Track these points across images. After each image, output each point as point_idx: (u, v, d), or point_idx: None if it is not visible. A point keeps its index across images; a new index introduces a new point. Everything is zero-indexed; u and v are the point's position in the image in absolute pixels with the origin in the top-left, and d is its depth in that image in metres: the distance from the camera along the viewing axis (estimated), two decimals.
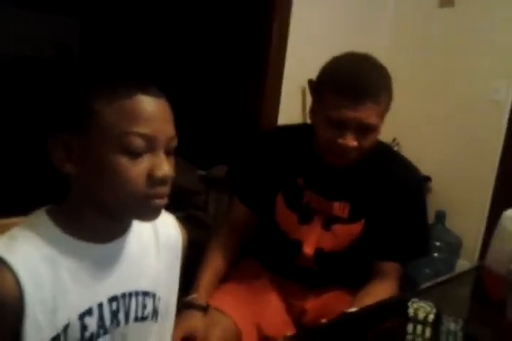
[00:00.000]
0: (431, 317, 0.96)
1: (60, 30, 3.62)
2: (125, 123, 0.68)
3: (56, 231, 0.71)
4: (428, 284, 1.28)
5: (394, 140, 2.48)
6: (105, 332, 0.75)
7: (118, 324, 0.76)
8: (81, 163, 0.70)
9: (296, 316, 1.34)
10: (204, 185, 2.33)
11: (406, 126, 2.37)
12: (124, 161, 0.68)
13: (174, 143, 0.73)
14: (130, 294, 0.78)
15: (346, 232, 1.25)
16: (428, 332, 0.92)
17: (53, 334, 0.69)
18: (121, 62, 3.27)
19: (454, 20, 2.46)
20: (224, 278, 1.30)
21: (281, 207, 1.29)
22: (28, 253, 0.68)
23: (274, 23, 2.06)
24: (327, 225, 1.26)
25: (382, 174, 1.25)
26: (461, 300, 1.21)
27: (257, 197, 1.32)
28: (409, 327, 0.93)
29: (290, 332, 1.26)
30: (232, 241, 1.34)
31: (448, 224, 2.38)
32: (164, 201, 0.72)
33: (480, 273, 1.27)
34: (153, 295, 0.81)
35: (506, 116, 2.35)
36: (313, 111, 1.21)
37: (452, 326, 0.94)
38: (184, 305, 1.14)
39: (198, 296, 1.18)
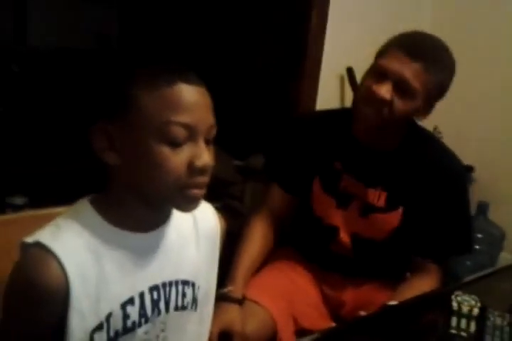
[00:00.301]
0: (476, 311, 0.93)
1: (98, 21, 3.66)
2: (166, 112, 0.68)
3: (99, 220, 0.72)
4: (471, 277, 1.25)
5: (435, 128, 2.41)
6: (146, 321, 0.75)
7: (159, 313, 0.77)
8: (122, 152, 0.70)
9: (334, 308, 1.33)
10: (240, 175, 2.33)
11: (447, 113, 2.30)
12: (164, 150, 0.68)
13: (214, 132, 0.73)
14: (170, 283, 0.78)
15: (383, 221, 1.23)
16: (473, 327, 0.90)
17: (96, 323, 0.70)
18: (160, 52, 3.30)
19: None
20: (260, 267, 1.29)
21: (318, 191, 1.28)
22: (73, 242, 0.69)
23: (312, 10, 2.02)
24: (364, 212, 1.24)
25: (423, 161, 1.22)
26: (505, 295, 1.17)
27: (295, 182, 1.31)
28: (453, 321, 0.91)
29: (327, 324, 1.26)
30: (270, 229, 1.32)
31: (491, 215, 2.31)
32: (203, 191, 0.72)
33: None
34: (193, 285, 0.82)
35: None
36: (367, 71, 1.19)
37: (499, 320, 0.91)
38: (220, 297, 1.13)
39: (235, 288, 1.17)
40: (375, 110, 1.12)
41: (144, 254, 0.75)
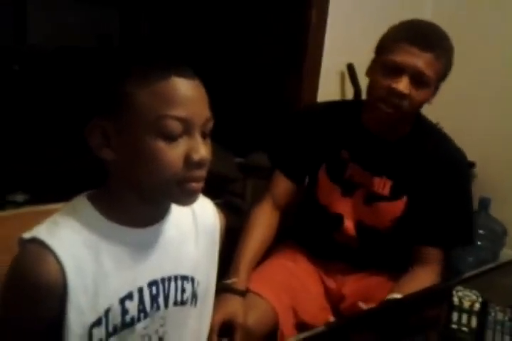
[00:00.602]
0: (477, 306, 0.93)
1: (99, 20, 3.66)
2: (160, 106, 0.67)
3: (97, 216, 0.72)
4: (472, 273, 1.24)
5: (437, 124, 2.40)
6: (145, 316, 0.75)
7: (158, 308, 0.77)
8: (118, 147, 0.70)
9: (335, 302, 1.33)
10: (241, 172, 2.33)
11: (449, 109, 2.29)
12: (160, 145, 0.68)
13: (210, 125, 0.72)
14: (169, 278, 0.78)
15: (388, 209, 1.25)
16: (474, 322, 0.89)
17: (95, 318, 0.70)
18: (160, 49, 3.30)
19: None
20: (262, 260, 1.30)
21: (324, 179, 1.29)
22: (70, 238, 0.69)
23: (312, 6, 2.02)
24: (368, 200, 1.26)
25: (428, 152, 1.24)
26: (506, 290, 1.17)
27: (301, 169, 1.33)
28: (454, 316, 0.90)
29: (328, 318, 1.26)
30: (273, 217, 1.33)
31: (492, 211, 2.30)
32: (201, 185, 0.72)
33: None
34: (192, 280, 0.81)
35: None
36: (372, 64, 1.22)
37: (500, 315, 0.90)
38: (223, 288, 1.14)
39: (238, 280, 1.18)
40: (397, 106, 1.15)
41: (143, 249, 0.75)
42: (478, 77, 2.44)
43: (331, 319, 1.25)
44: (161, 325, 0.78)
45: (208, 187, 0.73)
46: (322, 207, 1.30)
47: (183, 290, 0.80)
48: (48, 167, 2.32)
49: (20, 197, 2.12)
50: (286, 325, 1.19)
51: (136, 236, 0.74)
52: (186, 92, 0.69)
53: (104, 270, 0.70)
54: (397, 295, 1.08)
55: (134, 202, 0.73)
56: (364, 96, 1.27)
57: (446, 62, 1.16)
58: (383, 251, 1.30)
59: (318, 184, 1.30)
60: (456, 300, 0.94)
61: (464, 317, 0.90)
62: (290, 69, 2.21)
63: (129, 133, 0.69)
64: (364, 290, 1.28)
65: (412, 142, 1.25)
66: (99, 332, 0.71)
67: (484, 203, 2.30)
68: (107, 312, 0.71)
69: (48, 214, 0.73)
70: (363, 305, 1.06)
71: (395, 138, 1.25)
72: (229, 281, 1.17)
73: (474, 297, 0.95)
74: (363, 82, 1.30)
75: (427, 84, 1.14)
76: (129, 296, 0.73)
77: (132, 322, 0.74)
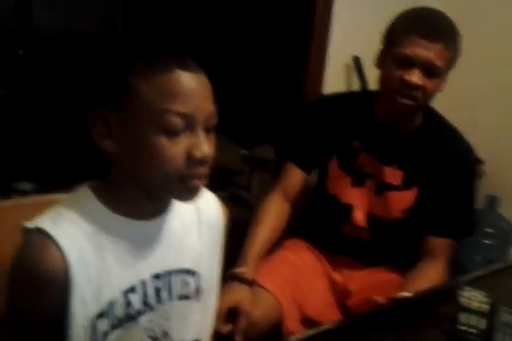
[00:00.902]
0: (485, 307, 0.91)
1: (103, 5, 3.62)
2: (162, 100, 0.66)
3: (99, 207, 0.71)
4: (480, 272, 1.22)
5: None
6: (149, 310, 0.74)
7: (162, 301, 0.76)
8: (119, 139, 0.68)
9: (341, 297, 1.33)
10: (247, 165, 2.32)
11: (456, 106, 2.26)
12: (161, 140, 0.66)
13: (214, 121, 0.70)
14: (173, 272, 0.77)
15: (398, 199, 1.26)
16: (483, 324, 0.87)
17: (99, 310, 0.69)
18: (164, 37, 3.27)
19: None
20: (269, 255, 1.29)
21: (335, 169, 1.30)
22: (73, 228, 0.68)
23: (318, 0, 2.01)
24: (379, 191, 1.27)
25: (438, 143, 1.26)
26: None
27: (311, 159, 1.33)
28: (462, 317, 0.88)
29: (333, 314, 1.26)
30: (282, 208, 1.32)
31: (501, 209, 2.28)
32: (203, 182, 0.70)
33: None
34: (195, 273, 0.81)
35: None
36: (382, 55, 1.23)
37: (509, 318, 0.88)
38: (231, 277, 1.14)
39: (247, 270, 1.17)
40: (412, 98, 1.17)
41: (146, 242, 0.74)
42: (486, 74, 2.40)
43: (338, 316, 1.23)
44: (165, 319, 0.77)
45: (213, 179, 0.72)
46: (331, 196, 1.30)
47: (186, 284, 0.79)
48: (54, 155, 2.31)
49: (26, 186, 2.12)
50: (291, 319, 1.19)
51: (139, 229, 0.73)
52: (190, 86, 0.67)
53: (107, 261, 0.70)
54: (406, 294, 1.06)
55: (137, 195, 0.72)
56: (370, 88, 1.26)
57: (455, 49, 1.18)
58: (392, 244, 1.30)
59: (328, 174, 1.31)
60: (464, 300, 0.92)
61: (473, 319, 0.88)
62: (296, 61, 2.20)
63: (130, 126, 0.67)
64: (371, 286, 1.27)
65: (423, 134, 1.26)
66: (104, 325, 0.70)
67: (492, 201, 2.28)
68: (111, 304, 0.70)
69: (49, 204, 0.72)
70: (380, 299, 1.04)
71: (406, 129, 1.26)
72: (237, 270, 1.16)
73: (482, 298, 0.93)
74: (369, 74, 1.29)
75: (438, 74, 1.16)
76: (132, 289, 0.72)
77: (136, 315, 0.73)
